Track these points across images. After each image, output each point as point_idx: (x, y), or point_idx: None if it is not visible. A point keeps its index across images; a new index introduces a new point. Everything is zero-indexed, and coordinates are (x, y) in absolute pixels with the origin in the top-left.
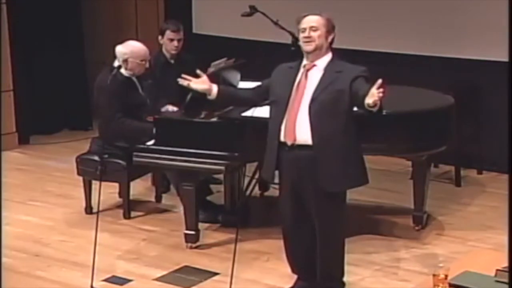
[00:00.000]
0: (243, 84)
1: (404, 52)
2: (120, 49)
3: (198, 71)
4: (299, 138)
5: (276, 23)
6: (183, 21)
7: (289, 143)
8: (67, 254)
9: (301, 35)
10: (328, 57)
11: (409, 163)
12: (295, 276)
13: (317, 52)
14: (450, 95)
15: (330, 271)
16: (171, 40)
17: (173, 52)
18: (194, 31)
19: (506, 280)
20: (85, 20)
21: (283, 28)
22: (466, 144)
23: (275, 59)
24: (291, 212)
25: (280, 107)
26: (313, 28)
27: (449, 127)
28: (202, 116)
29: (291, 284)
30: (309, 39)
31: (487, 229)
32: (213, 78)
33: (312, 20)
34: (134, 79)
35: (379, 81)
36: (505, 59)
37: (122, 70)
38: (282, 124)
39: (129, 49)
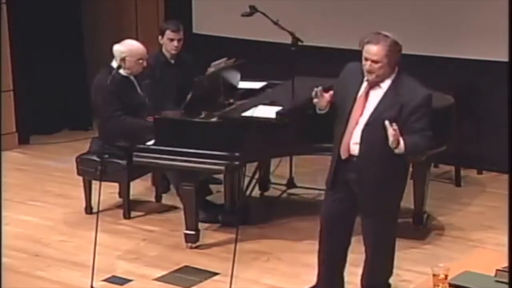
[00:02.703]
0: (243, 84)
1: (404, 52)
2: (117, 48)
3: (328, 95)
4: (352, 153)
5: (276, 23)
6: (183, 21)
7: (343, 156)
8: (67, 254)
9: (363, 62)
10: (393, 75)
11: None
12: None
13: (380, 78)
14: (450, 95)
15: (377, 280)
16: (171, 40)
17: (173, 52)
18: (194, 31)
19: (506, 280)
20: (85, 20)
21: (283, 28)
22: (466, 144)
23: (275, 59)
24: (335, 213)
25: (341, 120)
26: (374, 61)
27: (449, 127)
28: (202, 116)
29: (291, 285)
30: (370, 72)
31: (487, 229)
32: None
33: (373, 53)
34: (132, 78)
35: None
36: (505, 59)
37: (121, 71)
38: (343, 138)
39: (127, 48)
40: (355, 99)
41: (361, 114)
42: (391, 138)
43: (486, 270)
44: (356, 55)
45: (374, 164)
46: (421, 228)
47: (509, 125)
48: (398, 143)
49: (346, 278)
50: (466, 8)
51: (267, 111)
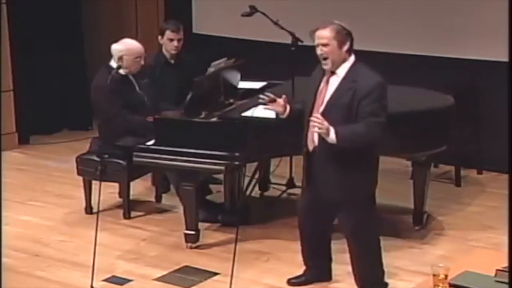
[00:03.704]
0: (243, 84)
1: (404, 52)
2: (115, 47)
3: (282, 99)
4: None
5: (276, 23)
6: (183, 21)
7: (310, 148)
8: (67, 254)
9: (316, 50)
10: (349, 63)
11: (409, 163)
12: (298, 274)
13: (335, 64)
14: (450, 95)
15: (368, 277)
16: (171, 40)
17: (173, 52)
18: (194, 31)
19: (506, 280)
20: (85, 20)
21: (283, 28)
22: (466, 144)
23: (275, 59)
24: (308, 208)
25: (306, 113)
26: (324, 45)
27: (449, 127)
28: (202, 116)
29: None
30: (322, 57)
31: (487, 229)
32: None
33: (321, 37)
34: (131, 77)
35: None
36: (505, 59)
37: (121, 70)
38: (309, 130)
39: (124, 47)
40: (317, 92)
41: (321, 104)
42: (315, 130)
43: (486, 270)
44: (357, 54)
45: (331, 152)
46: (421, 228)
47: (509, 125)
48: (328, 132)
49: (346, 278)
50: (466, 8)
51: (267, 111)
